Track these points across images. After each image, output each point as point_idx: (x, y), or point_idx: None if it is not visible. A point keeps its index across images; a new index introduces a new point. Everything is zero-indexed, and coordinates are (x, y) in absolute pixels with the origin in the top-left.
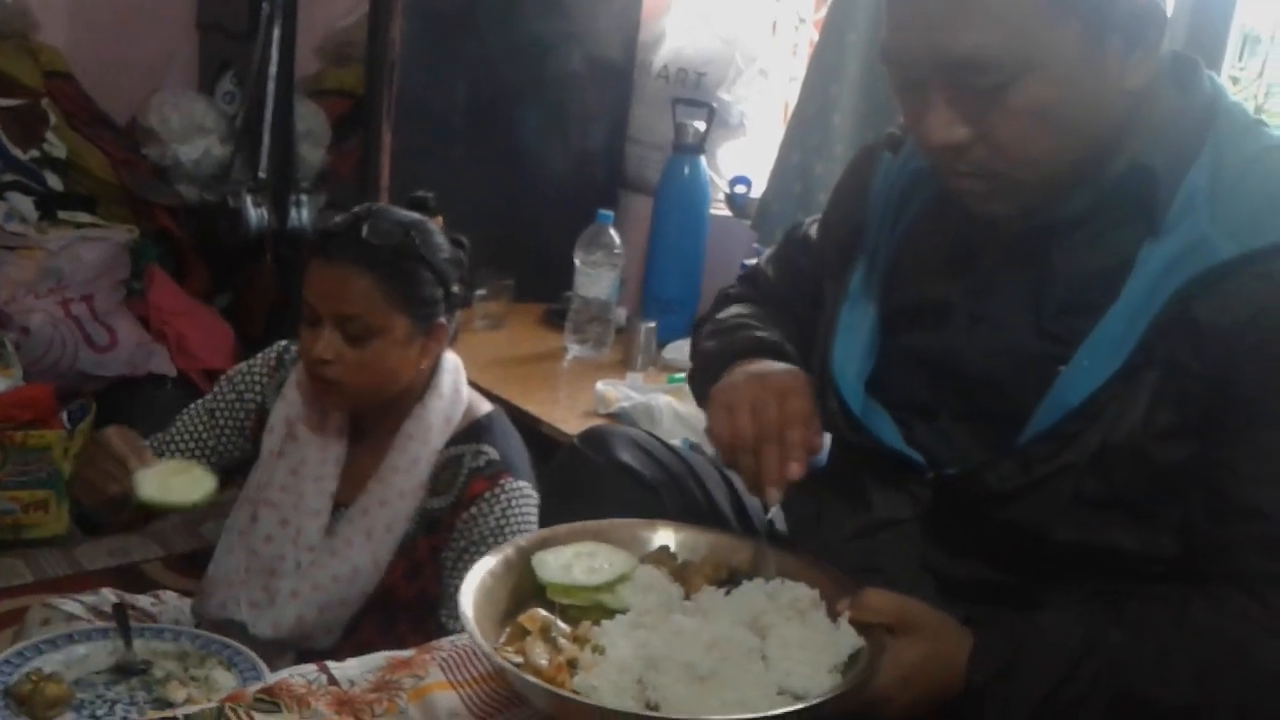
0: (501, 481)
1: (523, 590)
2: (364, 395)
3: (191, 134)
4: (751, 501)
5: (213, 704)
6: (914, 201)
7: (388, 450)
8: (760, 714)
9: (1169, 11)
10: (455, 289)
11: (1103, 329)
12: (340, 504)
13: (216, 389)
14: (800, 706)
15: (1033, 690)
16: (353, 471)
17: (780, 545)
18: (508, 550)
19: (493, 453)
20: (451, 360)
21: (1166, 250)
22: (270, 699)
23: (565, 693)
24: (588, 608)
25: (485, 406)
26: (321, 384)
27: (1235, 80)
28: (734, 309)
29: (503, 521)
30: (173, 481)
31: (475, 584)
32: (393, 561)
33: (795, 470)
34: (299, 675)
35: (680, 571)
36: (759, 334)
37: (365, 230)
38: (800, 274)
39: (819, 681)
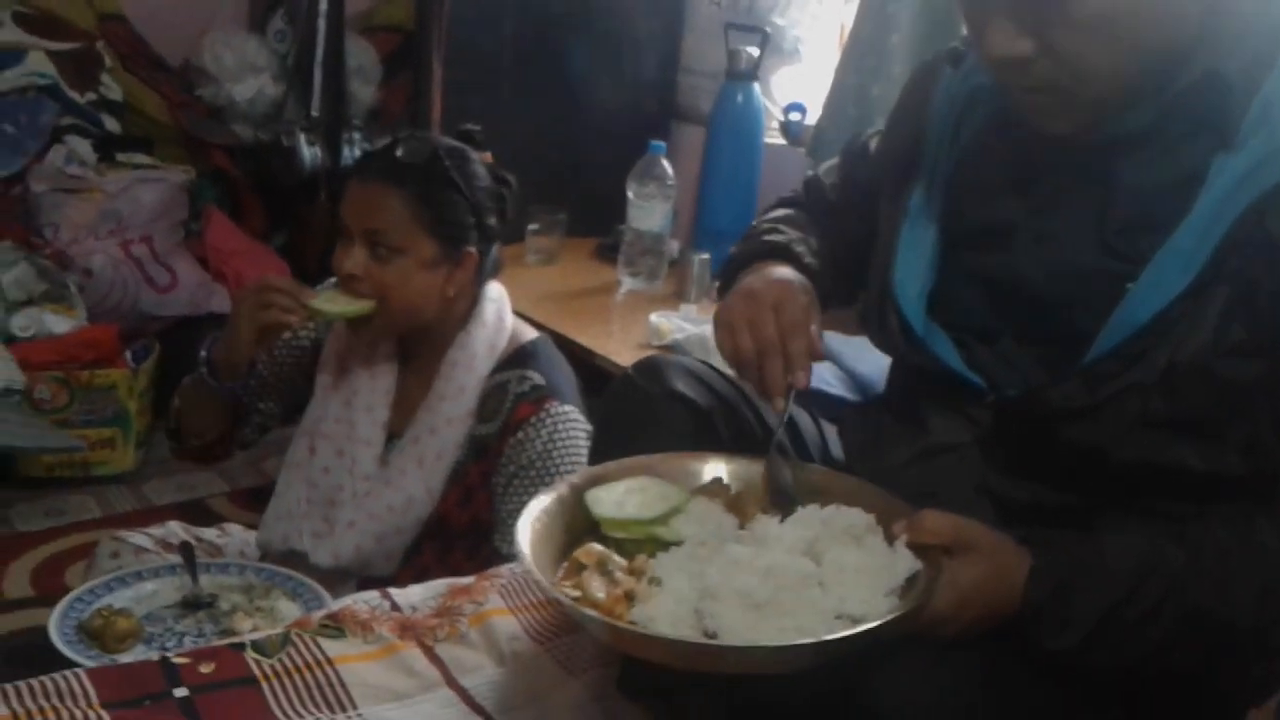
0: (547, 405)
1: (577, 527)
2: (393, 322)
3: (245, 73)
4: (808, 429)
5: (279, 630)
6: (975, 118)
7: (435, 379)
8: (814, 639)
9: None
10: (491, 221)
11: (1172, 245)
12: (393, 434)
13: (279, 345)
14: (855, 631)
15: (1091, 608)
16: (404, 402)
17: (836, 469)
18: (561, 488)
19: (537, 378)
20: (496, 289)
21: (1241, 163)
22: (335, 625)
23: (623, 624)
24: (642, 541)
25: (531, 334)
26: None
27: None
28: (775, 213)
29: (550, 445)
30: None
31: (530, 522)
32: (445, 489)
33: (801, 379)
34: (363, 601)
35: (734, 502)
36: (770, 238)
37: (399, 150)
38: (856, 185)
39: (876, 605)
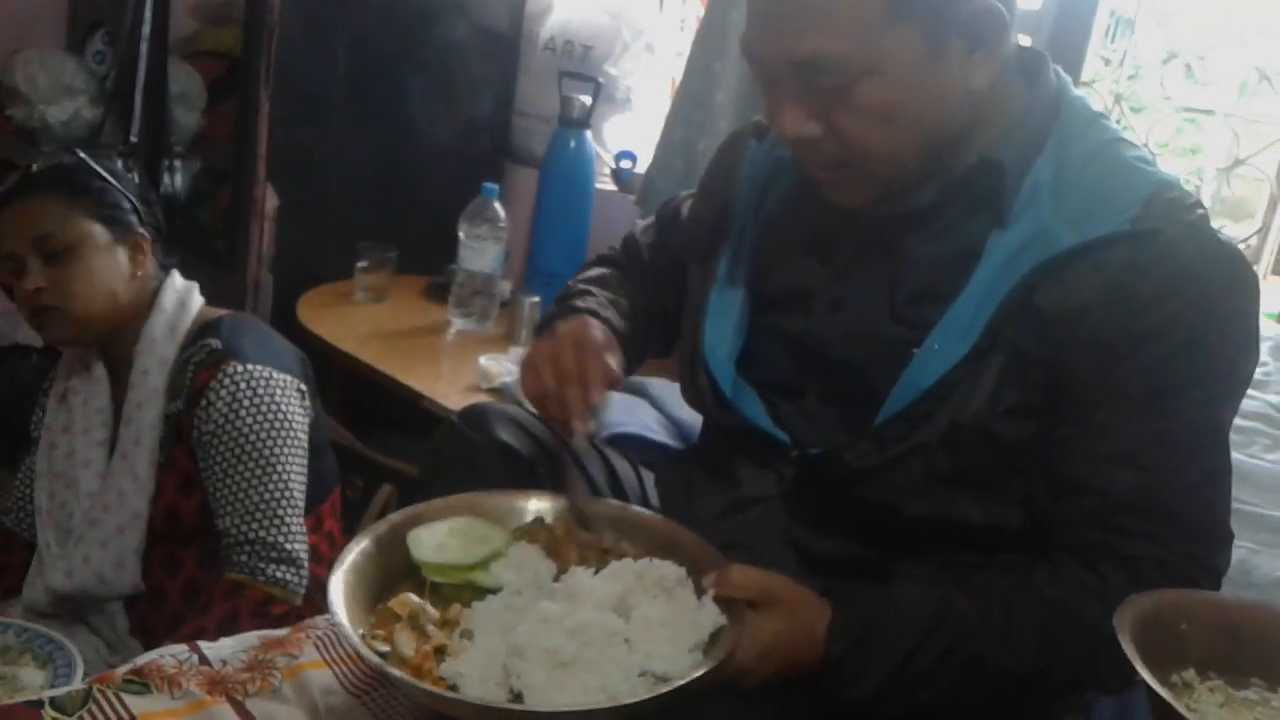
0: (224, 366)
1: (396, 567)
2: (91, 317)
3: (60, 95)
4: (628, 477)
5: (81, 686)
6: (778, 188)
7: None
8: (615, 703)
9: (1015, 8)
10: (151, 207)
11: (953, 314)
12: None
13: (31, 421)
14: (656, 693)
15: (886, 660)
16: (119, 415)
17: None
18: (380, 528)
19: (215, 343)
20: (180, 281)
21: (1012, 240)
22: (140, 679)
23: (427, 686)
24: (461, 586)
25: (220, 313)
26: (44, 320)
27: (1106, 62)
28: (591, 272)
29: (234, 405)
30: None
31: (347, 564)
32: (159, 477)
33: (597, 398)
34: (169, 655)
35: (554, 545)
36: (578, 303)
37: (35, 166)
38: (668, 248)
39: (679, 661)
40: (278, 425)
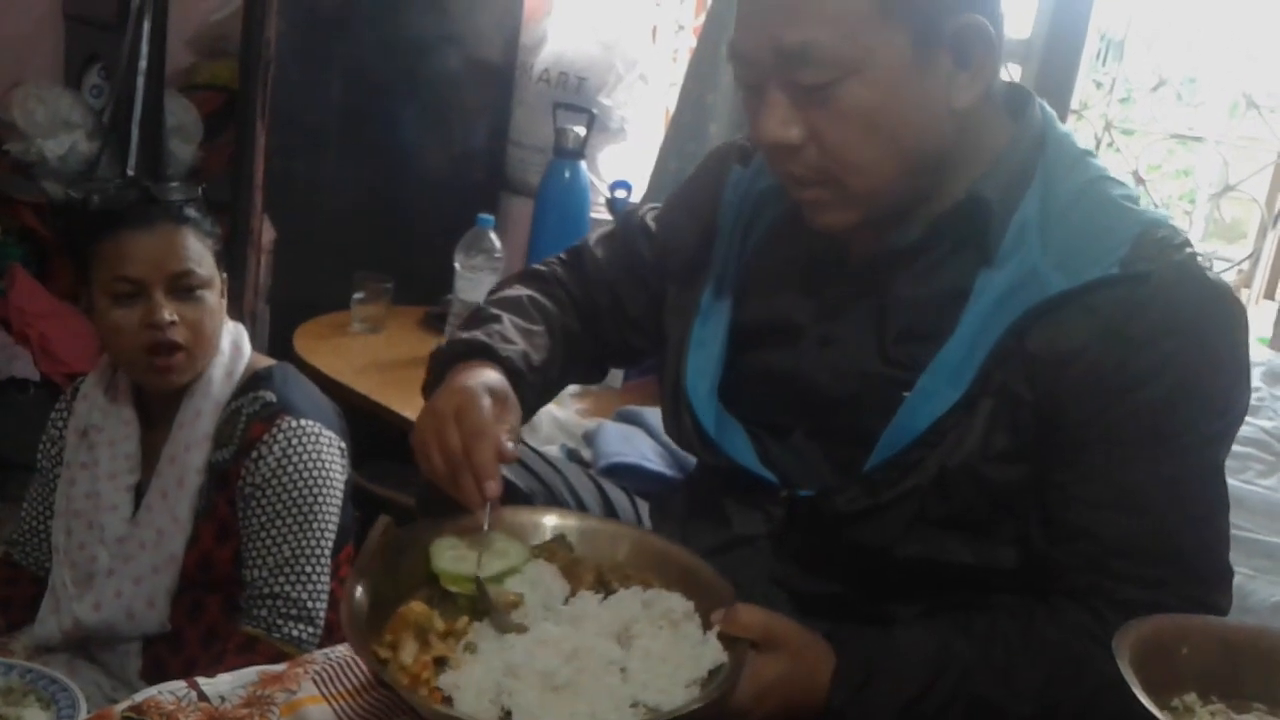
0: (279, 421)
1: (417, 570)
2: (201, 357)
3: (57, 129)
4: (623, 507)
5: None
6: (763, 219)
7: (175, 413)
8: None
9: (1003, 35)
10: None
11: (943, 357)
12: (143, 491)
13: (39, 452)
14: None
15: (889, 707)
16: (151, 458)
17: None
18: (408, 532)
19: (269, 396)
20: (232, 325)
21: (1001, 280)
22: (139, 716)
23: (411, 692)
24: (475, 598)
25: (268, 362)
26: (164, 358)
27: (1097, 85)
28: (507, 291)
29: (284, 460)
30: None
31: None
32: (198, 524)
33: (492, 489)
34: (168, 692)
35: (571, 566)
36: (475, 333)
37: (156, 192)
38: (638, 259)
39: (674, 695)
40: (321, 483)
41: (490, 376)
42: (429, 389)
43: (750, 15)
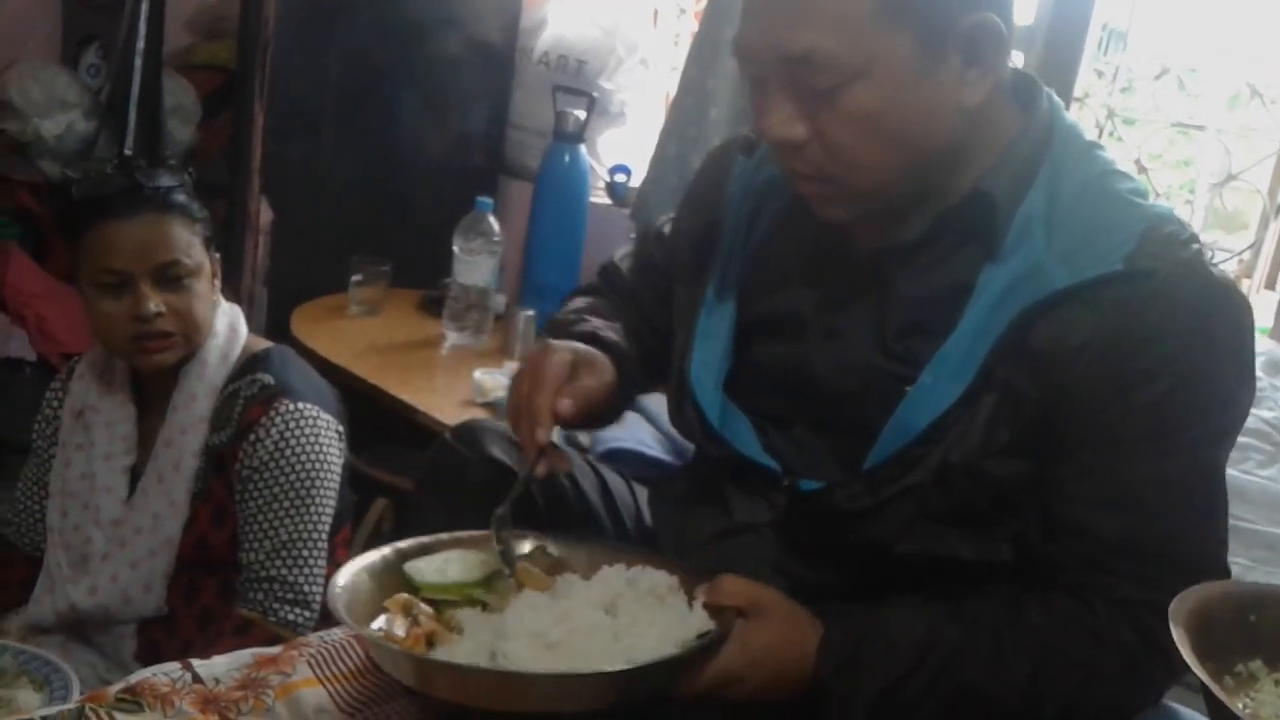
0: (276, 404)
1: (396, 591)
2: (189, 343)
3: (54, 108)
4: (621, 493)
5: (73, 705)
6: (768, 210)
7: (171, 394)
8: (598, 669)
9: (1013, 27)
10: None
11: (945, 352)
12: (140, 475)
13: (34, 432)
14: (646, 662)
15: (872, 685)
16: (147, 441)
17: (643, 545)
18: (385, 551)
19: (267, 379)
20: (226, 305)
21: (1005, 275)
22: (132, 698)
23: (416, 652)
24: (461, 602)
25: (265, 344)
26: (152, 344)
27: (1099, 74)
28: (576, 302)
29: (282, 444)
30: None
31: (351, 575)
32: (195, 507)
33: (541, 435)
34: (162, 674)
35: (554, 567)
36: (577, 328)
37: (144, 179)
38: (653, 268)
39: (664, 653)
40: (319, 467)
41: (581, 346)
42: None
43: (754, 17)
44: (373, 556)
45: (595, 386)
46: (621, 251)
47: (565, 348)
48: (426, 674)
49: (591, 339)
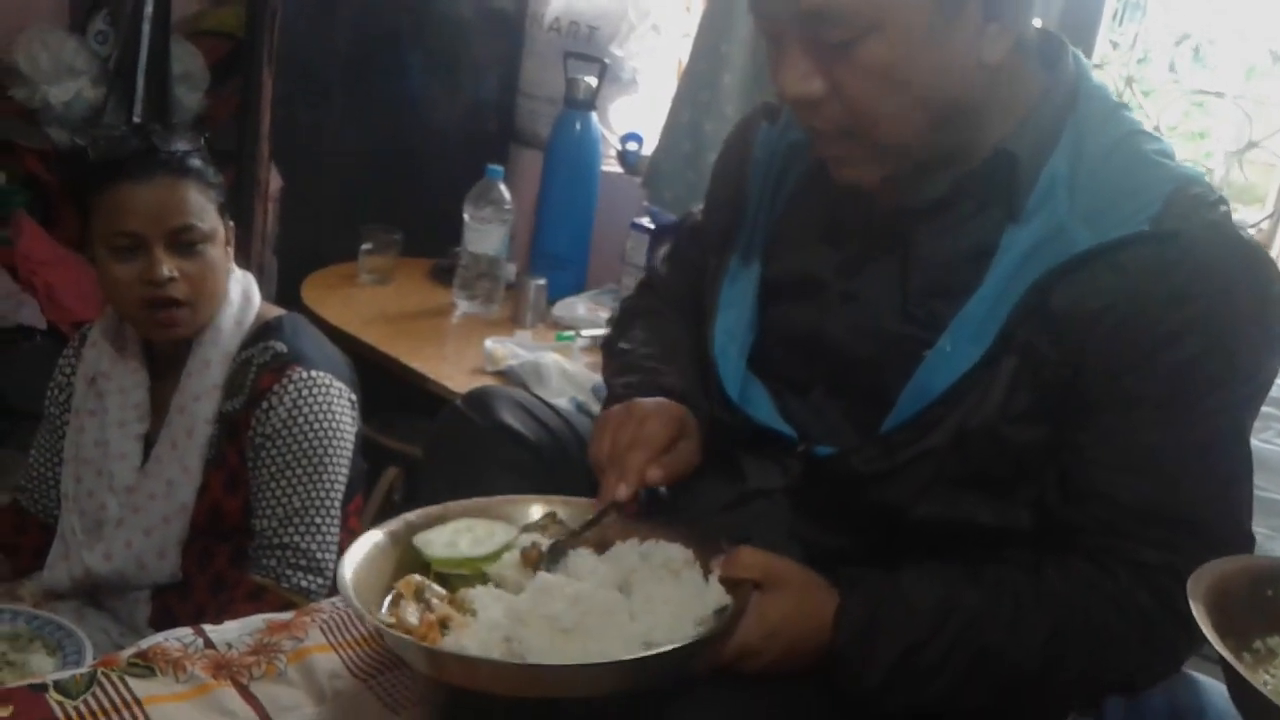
0: (289, 372)
1: (407, 565)
2: (204, 310)
3: (62, 75)
4: None
5: (85, 669)
6: (792, 174)
7: (185, 361)
8: (615, 658)
9: None
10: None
11: (965, 314)
12: (152, 441)
13: (46, 399)
14: (661, 650)
15: (890, 651)
16: (160, 408)
17: (658, 516)
18: (395, 525)
19: (280, 346)
20: (240, 273)
21: (1027, 237)
22: (144, 663)
23: (429, 645)
24: (472, 577)
25: (278, 311)
26: (165, 311)
27: (1115, 45)
28: (639, 334)
29: (295, 411)
30: None
31: (358, 554)
32: (208, 473)
33: (622, 491)
34: (174, 639)
35: (565, 537)
36: (661, 380)
37: (158, 141)
38: (691, 264)
39: (682, 634)
40: (331, 434)
41: (690, 420)
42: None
43: None
44: (379, 535)
45: (685, 461)
46: (662, 252)
47: (673, 418)
48: (442, 664)
49: (681, 398)
